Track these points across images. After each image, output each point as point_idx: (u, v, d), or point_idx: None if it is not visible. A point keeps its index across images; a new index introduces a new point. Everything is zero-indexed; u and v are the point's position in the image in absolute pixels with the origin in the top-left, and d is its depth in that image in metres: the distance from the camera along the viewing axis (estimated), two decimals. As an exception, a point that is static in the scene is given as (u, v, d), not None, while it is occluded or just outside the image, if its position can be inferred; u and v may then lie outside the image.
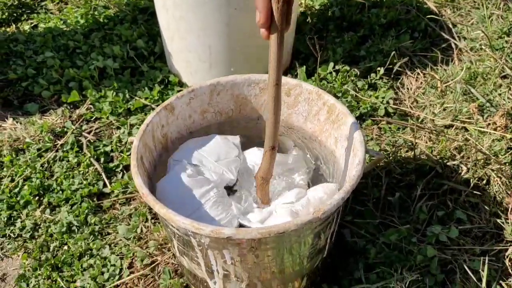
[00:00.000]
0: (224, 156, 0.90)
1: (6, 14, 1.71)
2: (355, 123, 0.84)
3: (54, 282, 0.98)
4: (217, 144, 0.91)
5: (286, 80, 0.93)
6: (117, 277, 0.98)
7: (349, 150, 0.85)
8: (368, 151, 0.83)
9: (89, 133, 1.29)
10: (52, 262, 1.00)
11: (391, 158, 1.14)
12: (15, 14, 1.72)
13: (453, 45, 1.45)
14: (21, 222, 1.09)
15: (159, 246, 1.02)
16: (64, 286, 0.97)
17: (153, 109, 1.32)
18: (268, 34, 0.65)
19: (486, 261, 0.88)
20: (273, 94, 0.72)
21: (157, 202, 0.71)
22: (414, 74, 1.39)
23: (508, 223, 1.00)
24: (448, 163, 1.10)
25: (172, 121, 0.91)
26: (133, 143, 0.81)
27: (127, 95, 1.35)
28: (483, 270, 0.87)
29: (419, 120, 1.24)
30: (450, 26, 1.53)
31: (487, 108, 1.23)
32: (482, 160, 1.10)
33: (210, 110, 0.96)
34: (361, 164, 0.77)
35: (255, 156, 0.93)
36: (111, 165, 1.20)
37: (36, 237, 1.07)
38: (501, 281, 0.91)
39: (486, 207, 1.02)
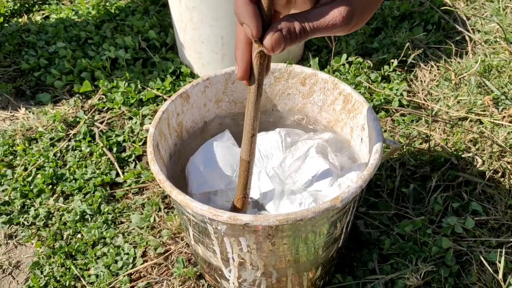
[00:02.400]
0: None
1: (18, 5, 1.71)
2: (372, 112, 0.83)
3: (68, 270, 0.98)
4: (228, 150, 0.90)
5: (302, 69, 0.93)
6: (130, 265, 0.98)
7: (365, 140, 0.84)
8: (385, 141, 0.82)
9: (101, 123, 1.29)
10: (66, 250, 1.01)
11: (405, 150, 1.13)
12: (26, 5, 1.72)
13: (467, 38, 1.44)
14: (35, 210, 1.09)
15: (172, 235, 1.02)
16: (78, 274, 0.97)
17: (165, 99, 1.32)
18: (247, 84, 0.64)
19: (504, 252, 0.87)
20: (248, 146, 0.69)
21: (174, 189, 0.71)
22: (428, 67, 1.38)
23: (524, 215, 0.99)
24: (463, 155, 1.10)
25: (187, 109, 0.90)
26: (149, 130, 0.81)
27: (139, 86, 1.35)
28: (499, 262, 0.86)
29: (433, 113, 1.23)
30: (464, 18, 1.52)
31: (502, 101, 1.22)
32: (498, 153, 1.09)
33: (225, 99, 0.95)
34: (379, 153, 0.76)
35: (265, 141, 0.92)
36: (123, 155, 1.20)
37: (50, 225, 1.07)
38: (517, 273, 0.90)
39: (502, 199, 1.01)
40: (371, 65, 1.35)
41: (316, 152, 0.86)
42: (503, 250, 0.89)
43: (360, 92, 1.28)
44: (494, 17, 1.49)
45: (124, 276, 0.96)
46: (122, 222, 1.07)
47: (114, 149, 1.21)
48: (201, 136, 0.95)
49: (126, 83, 1.35)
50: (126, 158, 1.20)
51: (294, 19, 0.55)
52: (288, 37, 0.55)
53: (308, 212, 0.68)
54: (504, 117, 1.18)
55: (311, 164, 0.85)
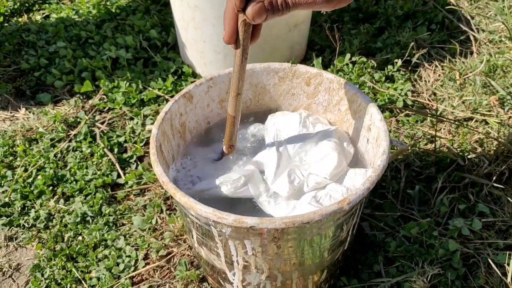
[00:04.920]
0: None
1: (18, 4, 1.69)
2: (378, 112, 0.82)
3: (69, 273, 0.97)
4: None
5: (307, 69, 0.91)
6: (132, 268, 0.97)
7: (372, 141, 0.83)
8: (391, 141, 0.81)
9: (102, 123, 1.28)
10: (67, 252, 0.99)
11: (410, 151, 1.12)
12: (26, 4, 1.71)
13: (471, 37, 1.42)
14: (35, 212, 1.08)
15: (174, 238, 1.01)
16: (79, 277, 0.96)
17: (166, 100, 1.31)
18: (234, 48, 0.70)
19: (512, 255, 0.86)
20: (234, 104, 0.77)
21: (178, 191, 0.70)
22: (432, 67, 1.36)
23: (532, 217, 0.97)
24: (469, 156, 1.08)
25: (191, 109, 0.89)
26: (151, 131, 0.79)
27: (140, 86, 1.34)
28: (508, 264, 0.85)
29: (438, 113, 1.21)
30: (468, 18, 1.50)
31: (508, 101, 1.21)
32: (504, 154, 1.08)
33: (228, 99, 0.94)
34: (386, 154, 0.75)
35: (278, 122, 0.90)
36: (124, 155, 1.19)
37: (51, 227, 1.06)
38: (525, 276, 0.89)
39: (509, 200, 1.00)
40: (375, 65, 1.34)
41: (332, 136, 0.84)
42: None
43: (364, 92, 1.26)
44: (498, 16, 1.48)
45: (126, 279, 0.95)
46: (123, 224, 1.05)
47: (115, 150, 1.20)
48: (206, 137, 0.94)
49: (127, 83, 1.33)
50: (128, 159, 1.18)
51: None
52: (269, 8, 0.61)
53: (315, 214, 0.66)
54: (510, 117, 1.16)
55: (322, 147, 0.82)
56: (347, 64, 1.35)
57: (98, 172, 1.14)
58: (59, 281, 0.95)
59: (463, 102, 1.24)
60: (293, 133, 0.87)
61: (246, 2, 0.61)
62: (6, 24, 1.60)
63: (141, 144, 1.20)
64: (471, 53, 1.39)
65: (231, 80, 0.75)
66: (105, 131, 1.25)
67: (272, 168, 0.81)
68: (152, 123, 1.24)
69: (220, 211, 0.67)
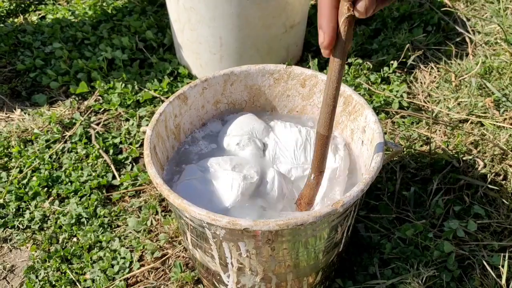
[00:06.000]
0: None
1: (14, 5, 1.69)
2: (373, 114, 0.82)
3: (63, 274, 0.96)
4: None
5: (302, 70, 0.91)
6: (127, 270, 0.96)
7: (366, 142, 0.83)
8: (386, 143, 0.81)
9: (97, 124, 1.27)
10: (61, 254, 0.99)
11: (405, 152, 1.12)
12: (23, 5, 1.70)
13: (467, 39, 1.43)
14: (30, 213, 1.07)
15: (169, 239, 1.01)
16: (73, 278, 0.95)
17: (162, 101, 1.30)
18: (330, 54, 0.61)
19: (507, 256, 0.86)
20: (329, 120, 0.66)
21: (172, 192, 0.70)
22: (428, 68, 1.36)
23: (526, 219, 0.98)
24: (464, 158, 1.08)
25: (185, 111, 0.89)
26: (146, 133, 0.79)
27: (136, 87, 1.34)
28: (502, 266, 0.85)
29: (434, 115, 1.21)
30: (464, 19, 1.51)
31: (503, 103, 1.21)
32: (499, 155, 1.08)
33: (223, 100, 0.94)
34: (380, 156, 0.75)
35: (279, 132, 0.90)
36: (120, 157, 1.18)
37: (45, 228, 1.05)
38: (520, 278, 0.89)
39: (504, 202, 1.00)
40: (371, 66, 1.34)
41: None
42: (506, 254, 0.87)
43: (360, 94, 1.26)
44: (494, 18, 1.48)
45: (120, 280, 0.94)
46: (118, 226, 1.05)
47: (111, 151, 1.20)
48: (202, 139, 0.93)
49: (123, 84, 1.33)
50: (123, 160, 1.18)
51: None
52: None
53: (308, 216, 0.66)
54: (505, 119, 1.16)
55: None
56: (343, 66, 1.35)
57: (93, 174, 1.14)
58: (54, 282, 0.95)
59: (458, 104, 1.24)
60: (291, 155, 0.87)
61: None
62: (1, 25, 1.59)
63: (137, 146, 1.20)
64: (467, 55, 1.39)
65: (325, 92, 0.64)
66: (101, 132, 1.25)
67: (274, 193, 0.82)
68: (147, 125, 1.24)
69: (214, 213, 0.67)
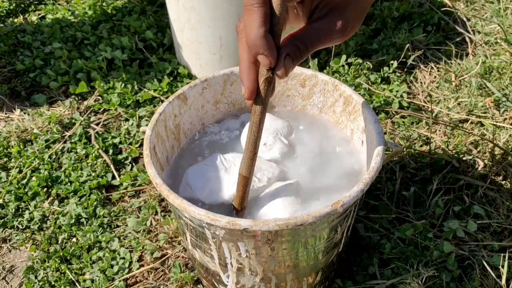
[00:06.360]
0: None
1: (14, 5, 1.69)
2: (373, 114, 0.81)
3: (62, 275, 0.96)
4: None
5: (301, 70, 0.91)
6: (126, 270, 0.96)
7: (366, 142, 0.83)
8: (386, 143, 0.81)
9: (97, 124, 1.27)
10: (61, 254, 0.99)
11: (405, 152, 1.12)
12: (22, 5, 1.70)
13: (467, 39, 1.43)
14: (29, 213, 1.07)
15: (169, 240, 1.01)
16: (73, 279, 0.95)
17: (162, 101, 1.30)
18: (253, 104, 0.64)
19: (507, 257, 0.86)
20: (249, 164, 0.69)
21: (171, 192, 0.69)
22: (428, 68, 1.36)
23: (526, 219, 0.97)
24: (464, 158, 1.08)
25: (185, 111, 0.89)
26: (145, 133, 0.79)
27: (135, 87, 1.34)
28: (502, 267, 0.85)
29: (434, 115, 1.21)
30: (464, 19, 1.50)
31: (504, 103, 1.21)
32: (499, 155, 1.08)
33: (223, 100, 0.93)
34: (380, 156, 0.75)
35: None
36: (119, 157, 1.18)
37: (45, 229, 1.05)
38: (520, 278, 0.89)
39: (504, 202, 1.00)
40: (371, 66, 1.34)
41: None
42: (506, 255, 0.87)
43: (360, 94, 1.26)
44: (494, 18, 1.48)
45: (120, 281, 0.94)
46: (118, 226, 1.05)
47: (110, 151, 1.19)
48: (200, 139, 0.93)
49: (123, 84, 1.33)
50: (122, 160, 1.18)
51: (296, 41, 0.57)
52: (295, 60, 0.57)
53: (308, 217, 0.66)
54: (505, 119, 1.16)
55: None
56: (343, 66, 1.35)
57: (93, 174, 1.14)
58: (53, 283, 0.95)
59: (458, 104, 1.24)
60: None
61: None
62: (1, 25, 1.59)
63: (136, 146, 1.20)
64: (467, 54, 1.39)
65: (247, 137, 0.67)
66: (100, 132, 1.24)
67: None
68: (147, 125, 1.24)
69: (214, 213, 0.66)
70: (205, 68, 1.35)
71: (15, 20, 1.63)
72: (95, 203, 1.07)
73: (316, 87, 0.92)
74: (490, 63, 1.32)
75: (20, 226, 1.06)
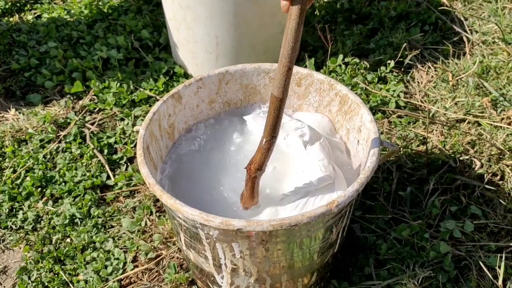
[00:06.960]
0: None
1: (10, 4, 1.68)
2: (369, 114, 0.81)
3: (56, 275, 0.95)
4: None
5: (297, 69, 0.90)
6: (120, 270, 0.96)
7: (362, 142, 0.82)
8: (382, 143, 0.80)
9: (92, 124, 1.26)
10: (55, 254, 0.98)
11: (401, 152, 1.11)
12: (18, 4, 1.69)
13: (464, 39, 1.42)
14: (23, 213, 1.06)
15: (164, 240, 1.00)
16: (66, 279, 0.94)
17: (158, 100, 1.29)
18: (289, 5, 0.56)
19: (503, 257, 0.85)
20: (283, 81, 0.62)
21: (164, 193, 0.69)
22: (425, 68, 1.36)
23: (524, 219, 0.97)
24: (461, 158, 1.08)
25: (180, 110, 0.88)
26: (139, 132, 0.78)
27: (131, 86, 1.33)
28: (499, 267, 0.84)
29: (431, 114, 1.21)
30: (462, 19, 1.50)
31: (501, 102, 1.20)
32: (496, 155, 1.07)
33: (218, 99, 0.93)
34: (376, 156, 0.74)
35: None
36: (114, 157, 1.17)
37: (38, 229, 1.04)
38: (517, 279, 0.88)
39: (501, 202, 0.99)
40: (368, 66, 1.33)
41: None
42: (503, 255, 0.87)
43: (356, 94, 1.25)
44: (492, 18, 1.48)
45: (114, 281, 0.93)
46: (112, 226, 1.04)
47: (105, 151, 1.19)
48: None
49: (118, 84, 1.32)
50: (117, 160, 1.17)
51: None
52: None
53: (303, 217, 0.65)
54: (502, 118, 1.16)
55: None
56: (339, 65, 1.34)
57: (88, 174, 1.13)
58: (46, 284, 0.94)
59: (455, 104, 1.23)
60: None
61: None
62: (-4, 24, 1.58)
63: (131, 145, 1.19)
64: (464, 54, 1.38)
65: (281, 51, 0.59)
66: (95, 132, 1.24)
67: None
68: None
69: (207, 213, 0.66)
70: (201, 67, 1.34)
71: (11, 19, 1.62)
72: (89, 203, 1.07)
73: (311, 86, 0.91)
74: (488, 63, 1.31)
75: (13, 227, 1.05)
